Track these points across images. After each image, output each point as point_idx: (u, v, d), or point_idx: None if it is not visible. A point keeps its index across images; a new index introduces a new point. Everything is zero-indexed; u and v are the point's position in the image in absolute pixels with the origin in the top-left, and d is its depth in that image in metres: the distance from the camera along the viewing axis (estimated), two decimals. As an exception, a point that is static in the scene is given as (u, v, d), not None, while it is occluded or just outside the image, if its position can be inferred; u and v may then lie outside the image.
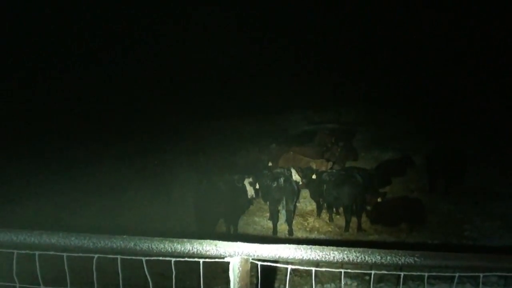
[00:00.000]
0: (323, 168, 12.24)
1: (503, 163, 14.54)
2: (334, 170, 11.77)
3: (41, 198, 12.24)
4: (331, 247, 2.44)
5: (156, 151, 16.03)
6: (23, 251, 2.56)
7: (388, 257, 2.41)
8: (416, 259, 2.41)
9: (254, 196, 10.38)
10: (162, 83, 25.43)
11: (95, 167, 14.89)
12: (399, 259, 2.41)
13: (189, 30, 28.97)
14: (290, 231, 10.41)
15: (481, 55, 24.11)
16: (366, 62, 25.75)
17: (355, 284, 7.26)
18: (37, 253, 2.57)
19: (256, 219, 11.31)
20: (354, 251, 2.42)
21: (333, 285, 7.30)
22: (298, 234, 10.43)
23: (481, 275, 2.80)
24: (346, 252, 2.41)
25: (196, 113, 22.60)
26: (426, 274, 2.90)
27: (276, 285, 7.18)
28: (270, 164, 12.50)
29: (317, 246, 2.46)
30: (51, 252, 2.51)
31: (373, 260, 2.41)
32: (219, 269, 7.58)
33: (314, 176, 11.41)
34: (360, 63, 25.72)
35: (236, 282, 2.45)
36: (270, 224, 10.71)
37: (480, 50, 24.66)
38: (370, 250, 2.43)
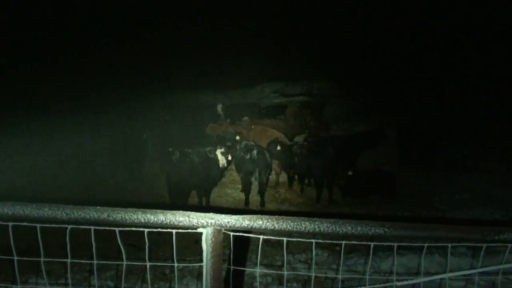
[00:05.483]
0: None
1: (473, 137, 14.80)
2: (305, 143, 11.79)
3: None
4: (303, 218, 2.47)
5: (126, 123, 15.79)
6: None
7: (359, 228, 2.45)
8: (386, 229, 2.46)
9: (226, 167, 10.34)
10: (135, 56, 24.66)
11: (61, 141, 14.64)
12: (369, 229, 2.45)
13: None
14: (262, 203, 10.46)
15: (454, 30, 24.15)
16: (339, 35, 25.56)
17: (326, 254, 7.32)
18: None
19: (229, 191, 11.33)
20: (325, 222, 2.45)
21: (304, 255, 7.34)
22: (270, 205, 10.49)
23: (450, 245, 2.86)
24: (317, 222, 2.45)
25: (169, 86, 22.31)
26: (396, 244, 2.93)
27: (248, 255, 7.21)
28: (237, 138, 12.39)
29: (288, 217, 2.49)
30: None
31: (344, 230, 2.44)
32: (191, 240, 7.61)
33: (278, 148, 11.28)
34: (332, 36, 25.52)
35: (209, 252, 2.48)
36: (242, 195, 10.72)
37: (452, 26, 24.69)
38: (341, 221, 2.46)
